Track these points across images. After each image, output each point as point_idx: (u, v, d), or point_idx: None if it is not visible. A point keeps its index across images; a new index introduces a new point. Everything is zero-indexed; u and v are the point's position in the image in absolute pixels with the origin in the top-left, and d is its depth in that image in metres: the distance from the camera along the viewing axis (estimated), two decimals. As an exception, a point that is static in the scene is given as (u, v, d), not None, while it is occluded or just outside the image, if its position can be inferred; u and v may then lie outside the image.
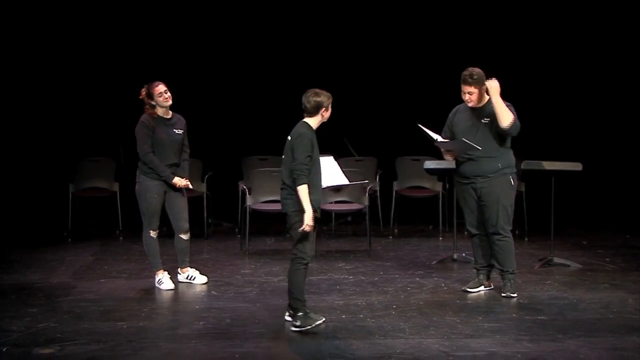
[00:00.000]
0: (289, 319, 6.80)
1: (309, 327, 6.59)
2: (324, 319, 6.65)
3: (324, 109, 6.67)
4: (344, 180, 7.25)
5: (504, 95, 7.68)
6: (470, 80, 7.72)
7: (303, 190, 6.52)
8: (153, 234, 8.29)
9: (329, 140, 7.17)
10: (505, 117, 7.57)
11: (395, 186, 11.69)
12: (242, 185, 10.81)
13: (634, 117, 12.76)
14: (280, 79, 12.78)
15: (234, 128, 12.44)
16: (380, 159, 12.07)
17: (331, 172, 7.12)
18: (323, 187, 6.83)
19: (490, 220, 7.77)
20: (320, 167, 6.71)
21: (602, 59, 12.77)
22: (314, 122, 6.71)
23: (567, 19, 12.70)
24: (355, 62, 12.70)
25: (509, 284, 7.84)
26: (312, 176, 6.59)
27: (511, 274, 7.86)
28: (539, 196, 10.51)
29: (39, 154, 12.38)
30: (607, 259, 9.68)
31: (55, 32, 12.33)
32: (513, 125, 7.58)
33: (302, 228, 6.56)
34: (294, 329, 6.63)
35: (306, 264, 6.70)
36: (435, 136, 7.88)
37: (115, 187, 11.47)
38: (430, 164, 9.62)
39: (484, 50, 12.03)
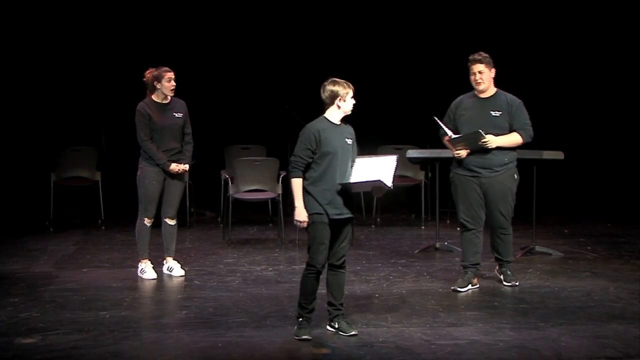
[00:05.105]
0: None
1: (295, 336, 6.28)
2: (310, 338, 6.26)
3: (339, 98, 6.25)
4: (386, 181, 6.35)
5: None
6: (479, 57, 7.61)
7: (294, 184, 6.22)
8: (147, 222, 8.28)
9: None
10: (516, 142, 7.64)
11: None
12: (225, 175, 10.80)
13: (615, 106, 12.81)
14: (262, 68, 12.76)
15: (216, 117, 12.40)
16: (361, 147, 12.04)
17: (381, 170, 6.37)
18: (361, 181, 6.33)
19: (494, 214, 7.69)
20: (336, 164, 6.22)
21: (583, 48, 12.78)
22: (331, 114, 6.31)
23: (549, 10, 12.72)
24: (336, 50, 12.67)
25: (509, 272, 7.87)
26: (322, 173, 6.23)
27: (509, 262, 7.92)
28: (520, 185, 10.51)
29: (20, 143, 12.31)
30: (589, 248, 9.73)
31: (36, 22, 12.24)
32: (525, 140, 7.67)
33: (295, 223, 6.26)
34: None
35: (316, 272, 6.30)
36: (449, 132, 7.64)
37: (97, 176, 11.42)
38: (412, 152, 9.61)
39: (468, 39, 12.03)
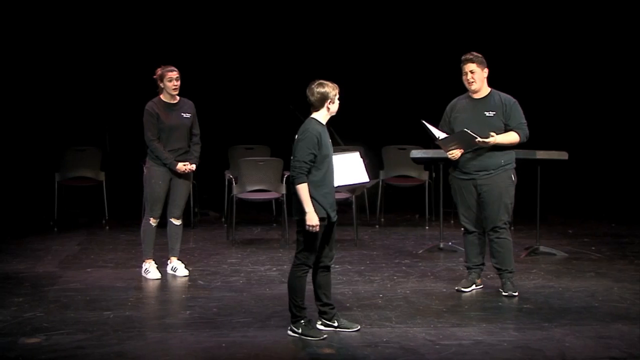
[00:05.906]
0: (290, 333, 6.34)
1: (311, 337, 6.25)
2: (326, 336, 6.29)
3: (329, 101, 6.24)
4: (363, 179, 6.61)
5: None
6: (470, 56, 7.48)
7: (302, 189, 6.13)
8: (153, 222, 8.28)
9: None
10: (514, 140, 7.47)
11: (382, 175, 11.66)
12: (229, 175, 10.80)
13: (618, 106, 12.80)
14: (267, 68, 12.76)
15: (221, 117, 12.40)
16: (366, 147, 12.05)
17: (351, 169, 6.53)
18: (339, 185, 6.42)
19: (489, 217, 7.52)
20: (332, 166, 6.29)
21: (586, 48, 12.77)
22: (321, 116, 6.29)
23: (550, 10, 12.71)
24: (340, 50, 12.67)
25: (509, 282, 7.55)
26: (323, 176, 6.21)
27: (510, 272, 7.59)
28: (525, 185, 10.46)
29: (24, 143, 12.32)
30: (593, 248, 9.71)
31: (39, 22, 12.25)
32: (521, 139, 7.48)
33: (307, 228, 6.14)
34: (292, 334, 6.32)
35: (308, 271, 6.33)
36: (438, 134, 7.54)
37: (101, 176, 11.43)
38: (416, 153, 9.60)
39: (470, 39, 12.02)
